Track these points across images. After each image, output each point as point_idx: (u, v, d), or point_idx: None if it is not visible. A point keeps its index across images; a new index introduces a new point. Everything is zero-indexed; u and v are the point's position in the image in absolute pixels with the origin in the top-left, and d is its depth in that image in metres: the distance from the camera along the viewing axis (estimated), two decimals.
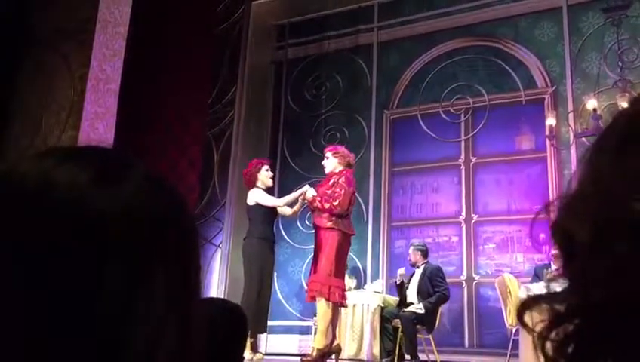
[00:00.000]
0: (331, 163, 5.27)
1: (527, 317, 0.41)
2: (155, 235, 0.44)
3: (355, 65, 8.06)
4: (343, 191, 5.01)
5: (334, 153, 5.30)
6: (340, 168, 5.22)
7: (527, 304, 0.42)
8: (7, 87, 5.06)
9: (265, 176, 5.57)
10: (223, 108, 7.96)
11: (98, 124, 4.84)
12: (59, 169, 0.43)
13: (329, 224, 4.99)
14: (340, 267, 5.05)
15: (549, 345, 0.39)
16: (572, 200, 0.40)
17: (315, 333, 6.41)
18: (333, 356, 5.11)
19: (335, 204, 4.97)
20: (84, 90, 4.80)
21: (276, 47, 8.65)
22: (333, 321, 5.03)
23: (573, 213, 0.39)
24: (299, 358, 5.16)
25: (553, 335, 0.39)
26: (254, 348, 5.32)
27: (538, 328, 0.40)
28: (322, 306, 4.93)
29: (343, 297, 5.06)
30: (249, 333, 5.15)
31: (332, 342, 5.02)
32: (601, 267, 0.37)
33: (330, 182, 5.16)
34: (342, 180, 5.09)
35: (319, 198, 5.08)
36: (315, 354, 4.92)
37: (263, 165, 5.65)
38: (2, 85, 5.06)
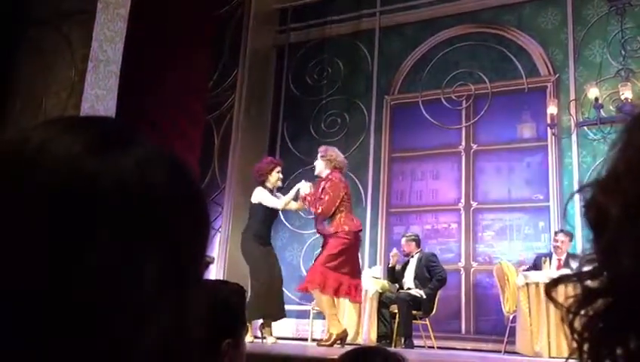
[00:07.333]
0: (319, 165, 5.38)
1: (555, 293, 0.42)
2: (152, 213, 0.42)
3: (356, 51, 8.02)
4: (327, 197, 5.12)
5: (322, 155, 5.36)
6: (327, 171, 5.29)
7: (555, 282, 0.43)
8: (7, 67, 5.03)
9: (275, 177, 5.64)
10: (224, 92, 7.94)
11: (99, 105, 4.82)
12: (59, 136, 0.43)
13: (328, 231, 5.15)
14: (346, 262, 5.09)
15: (577, 321, 0.40)
16: (606, 179, 0.42)
17: (310, 318, 6.46)
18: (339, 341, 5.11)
19: (319, 211, 5.15)
20: (85, 71, 4.78)
21: (278, 31, 8.60)
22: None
23: (607, 190, 0.41)
24: (296, 342, 5.20)
25: (582, 311, 0.40)
26: (270, 332, 5.41)
27: (567, 303, 0.41)
28: (316, 295, 5.13)
29: (345, 292, 5.10)
30: (265, 319, 5.31)
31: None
32: (631, 238, 0.38)
33: (320, 187, 5.26)
34: (328, 185, 5.18)
35: (308, 199, 5.26)
36: (330, 339, 4.98)
37: (276, 166, 5.71)
38: (2, 65, 5.03)
